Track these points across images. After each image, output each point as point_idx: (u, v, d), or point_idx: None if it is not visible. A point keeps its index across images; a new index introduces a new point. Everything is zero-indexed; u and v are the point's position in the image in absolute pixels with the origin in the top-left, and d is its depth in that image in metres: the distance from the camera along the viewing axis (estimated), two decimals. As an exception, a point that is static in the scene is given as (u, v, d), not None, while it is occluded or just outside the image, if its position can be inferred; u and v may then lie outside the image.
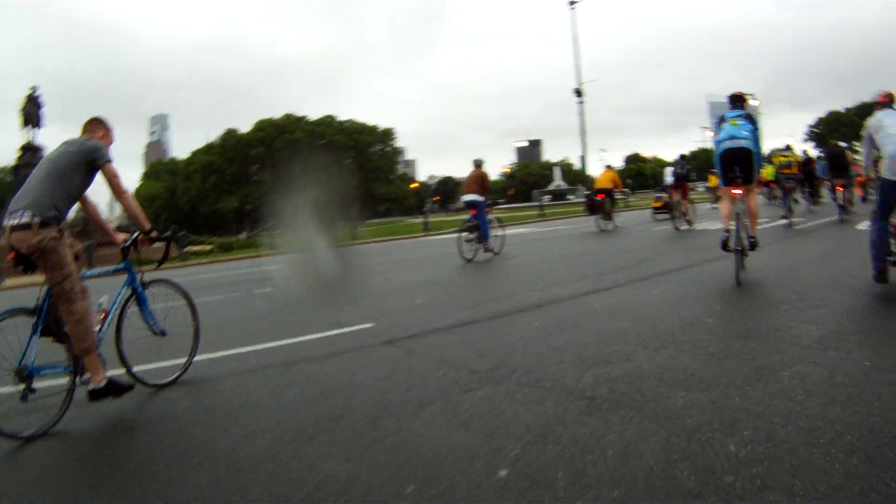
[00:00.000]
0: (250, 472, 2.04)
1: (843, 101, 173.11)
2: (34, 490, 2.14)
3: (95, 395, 2.85)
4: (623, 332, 3.49)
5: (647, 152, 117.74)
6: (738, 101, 5.63)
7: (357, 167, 63.81)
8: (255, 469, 2.05)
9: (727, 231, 5.14)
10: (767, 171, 16.95)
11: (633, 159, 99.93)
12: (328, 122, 67.31)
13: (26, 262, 2.77)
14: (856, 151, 26.16)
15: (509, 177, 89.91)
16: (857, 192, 12.68)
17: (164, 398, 3.11)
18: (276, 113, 68.42)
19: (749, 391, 2.34)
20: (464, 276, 7.52)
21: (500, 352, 3.33)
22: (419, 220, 47.37)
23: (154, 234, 3.22)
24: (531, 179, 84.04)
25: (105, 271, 3.30)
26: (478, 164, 9.25)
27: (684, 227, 11.45)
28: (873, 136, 4.40)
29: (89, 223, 4.58)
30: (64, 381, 2.87)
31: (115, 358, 3.16)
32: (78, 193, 2.96)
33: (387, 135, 70.65)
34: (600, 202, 13.27)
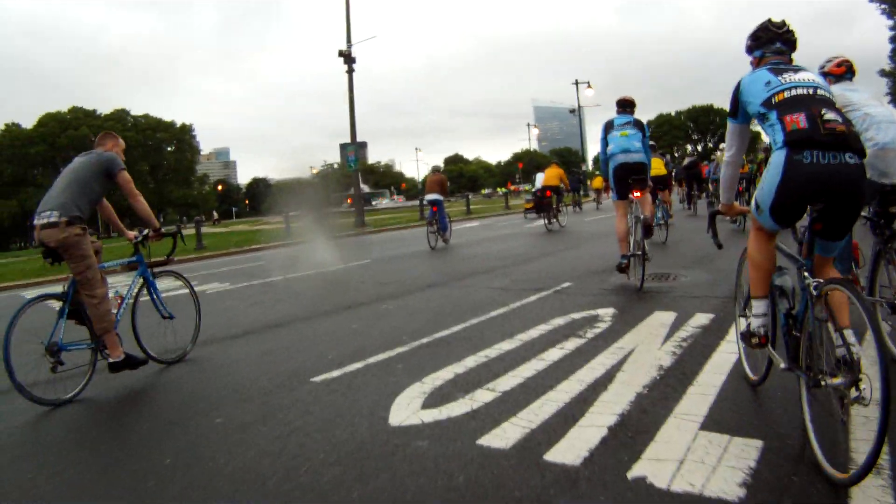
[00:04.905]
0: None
1: (671, 106, 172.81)
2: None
3: (115, 367, 3.37)
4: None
5: (469, 154, 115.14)
6: (626, 106, 5.20)
7: (151, 168, 56.89)
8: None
9: (624, 257, 4.93)
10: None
11: (455, 160, 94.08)
12: (119, 116, 56.82)
13: (54, 255, 3.23)
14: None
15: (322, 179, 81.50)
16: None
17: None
18: (92, 106, 57.52)
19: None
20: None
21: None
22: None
23: (162, 230, 3.75)
24: (346, 182, 71.98)
25: (120, 263, 3.81)
26: (437, 169, 11.45)
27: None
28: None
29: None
30: (87, 356, 3.36)
31: (132, 337, 3.66)
32: (97, 198, 3.44)
33: (183, 131, 60.56)
34: (548, 200, 12.22)
